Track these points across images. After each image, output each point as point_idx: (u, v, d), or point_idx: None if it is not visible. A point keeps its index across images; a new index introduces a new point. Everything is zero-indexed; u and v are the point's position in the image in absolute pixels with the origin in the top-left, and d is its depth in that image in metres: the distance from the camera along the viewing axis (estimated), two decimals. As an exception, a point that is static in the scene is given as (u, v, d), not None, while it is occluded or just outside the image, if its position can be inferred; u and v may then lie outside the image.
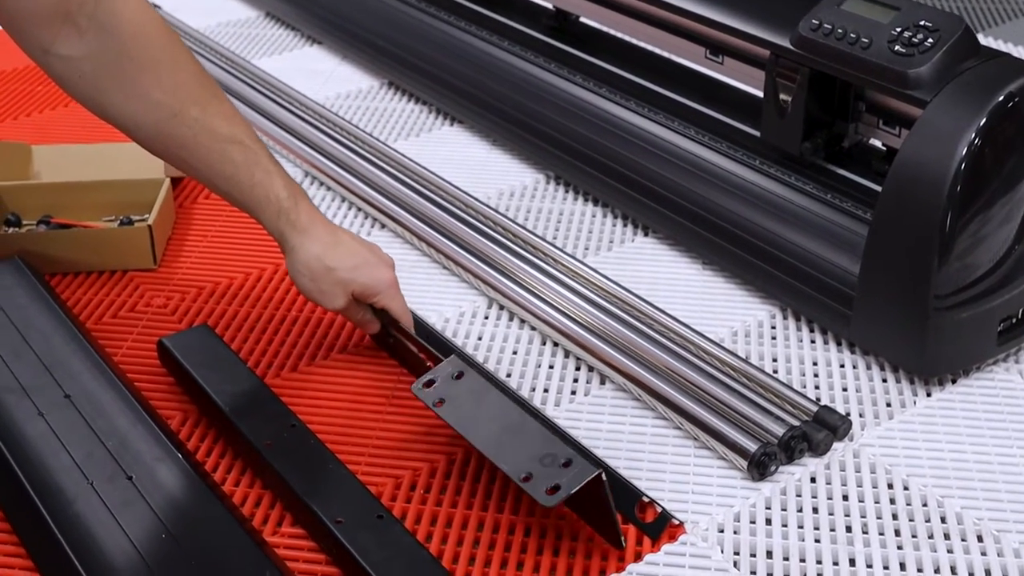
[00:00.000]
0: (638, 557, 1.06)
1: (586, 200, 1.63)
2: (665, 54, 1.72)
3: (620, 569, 1.04)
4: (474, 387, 1.14)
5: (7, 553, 1.07)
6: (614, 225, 1.58)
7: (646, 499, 1.11)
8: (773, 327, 1.37)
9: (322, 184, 1.69)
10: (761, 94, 1.44)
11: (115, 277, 1.47)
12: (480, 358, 1.31)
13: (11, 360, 1.24)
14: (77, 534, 1.04)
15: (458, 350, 1.30)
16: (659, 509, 1.10)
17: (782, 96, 1.39)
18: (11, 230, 1.52)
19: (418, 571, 0.99)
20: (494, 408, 1.11)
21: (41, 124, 1.88)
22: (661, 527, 1.08)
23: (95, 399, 1.19)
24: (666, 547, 1.07)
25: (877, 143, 1.42)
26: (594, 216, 1.60)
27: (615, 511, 1.03)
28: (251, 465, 1.16)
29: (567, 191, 1.66)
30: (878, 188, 1.30)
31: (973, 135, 1.18)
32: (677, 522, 1.09)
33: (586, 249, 1.53)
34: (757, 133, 1.49)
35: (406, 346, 1.28)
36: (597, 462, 1.10)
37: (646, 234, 1.56)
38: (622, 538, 1.05)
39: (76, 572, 1.00)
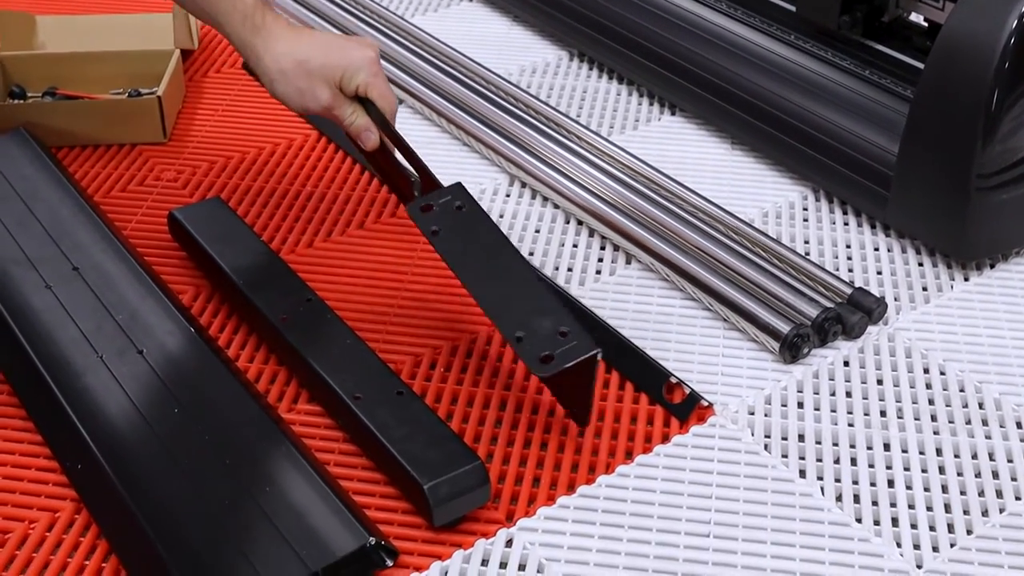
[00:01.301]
0: (666, 439, 1.02)
1: (611, 78, 1.57)
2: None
3: (648, 450, 1.01)
4: (477, 224, 1.03)
5: (15, 428, 1.04)
6: (640, 103, 1.52)
7: (674, 380, 1.07)
8: (805, 208, 1.32)
9: (337, 59, 1.62)
10: (797, -35, 1.38)
11: (123, 151, 1.43)
12: (501, 236, 1.27)
13: (17, 231, 1.21)
14: (86, 407, 1.01)
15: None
16: (687, 390, 1.06)
17: (820, -33, 1.34)
18: (16, 101, 1.47)
19: (439, 447, 0.95)
20: (497, 254, 1.02)
21: (46, -6, 1.81)
22: (689, 408, 1.05)
23: (104, 271, 1.15)
24: (695, 429, 1.03)
25: (919, 19, 1.35)
26: (619, 94, 1.54)
27: (593, 394, 1.00)
28: (266, 340, 1.13)
29: (591, 68, 1.59)
30: (919, 65, 1.24)
31: (1024, 8, 1.12)
32: (706, 403, 1.05)
33: (611, 128, 1.47)
34: (792, 7, 1.42)
35: (395, 162, 1.15)
36: (592, 340, 0.99)
37: (673, 113, 1.50)
38: (590, 416, 1.01)
39: (86, 445, 0.97)
